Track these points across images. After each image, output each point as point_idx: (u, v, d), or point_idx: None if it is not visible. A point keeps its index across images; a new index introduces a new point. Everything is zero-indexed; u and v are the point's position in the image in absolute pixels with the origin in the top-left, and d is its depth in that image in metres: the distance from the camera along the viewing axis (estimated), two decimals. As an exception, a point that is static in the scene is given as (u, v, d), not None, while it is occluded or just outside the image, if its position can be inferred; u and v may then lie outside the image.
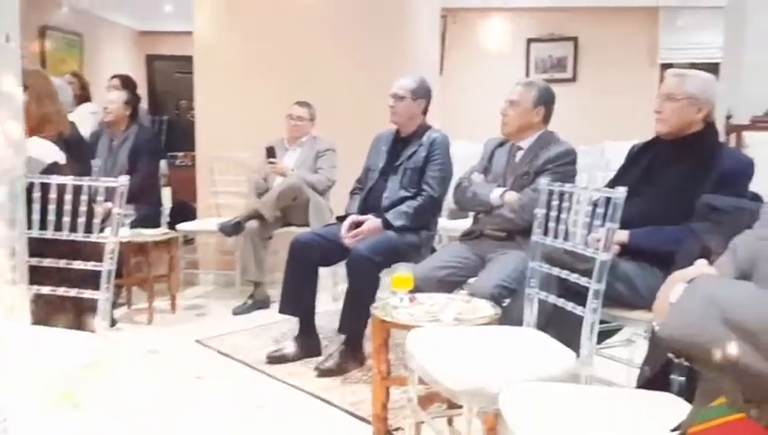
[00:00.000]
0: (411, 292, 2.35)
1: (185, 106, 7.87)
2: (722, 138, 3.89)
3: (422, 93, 3.20)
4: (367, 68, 4.40)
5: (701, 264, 1.02)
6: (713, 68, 5.09)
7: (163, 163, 5.12)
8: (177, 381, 2.89)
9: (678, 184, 2.29)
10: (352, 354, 2.98)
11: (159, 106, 8.43)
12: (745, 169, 2.27)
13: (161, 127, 6.83)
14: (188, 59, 4.96)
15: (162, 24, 8.34)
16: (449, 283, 2.70)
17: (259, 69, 4.43)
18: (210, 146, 4.62)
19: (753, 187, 2.28)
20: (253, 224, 3.93)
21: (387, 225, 3.06)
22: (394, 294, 2.35)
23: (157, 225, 4.14)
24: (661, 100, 2.36)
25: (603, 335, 2.63)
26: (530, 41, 7.79)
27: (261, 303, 3.98)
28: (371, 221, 3.09)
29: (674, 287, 0.94)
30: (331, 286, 3.78)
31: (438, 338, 1.94)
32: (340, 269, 3.30)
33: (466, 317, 2.17)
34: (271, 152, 4.07)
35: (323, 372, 2.92)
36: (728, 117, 4.11)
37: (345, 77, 4.40)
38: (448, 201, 3.35)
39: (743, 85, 4.23)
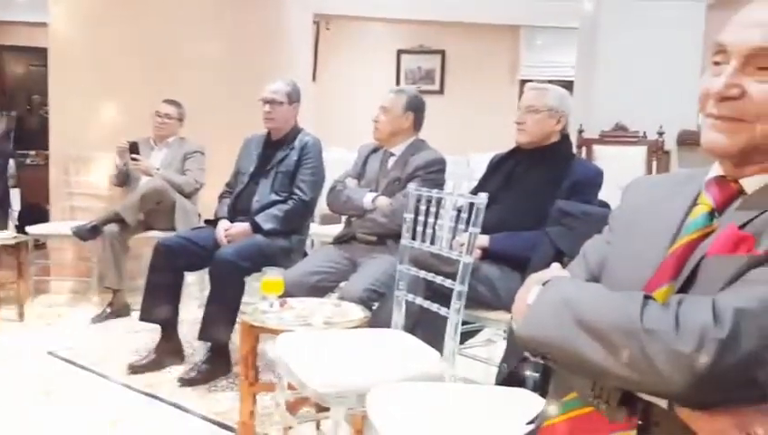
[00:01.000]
0: (282, 296, 2.32)
1: (38, 102, 7.27)
2: (574, 150, 4.20)
3: (296, 97, 3.18)
4: (237, 70, 4.31)
5: (555, 267, 1.08)
6: (568, 85, 5.49)
7: (12, 163, 4.69)
8: (21, 398, 2.65)
9: (535, 191, 2.43)
10: (218, 362, 2.88)
11: (9, 101, 7.72)
12: (595, 178, 2.47)
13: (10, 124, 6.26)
14: (42, 51, 4.59)
15: (14, 13, 7.64)
16: (321, 287, 2.70)
17: (121, 64, 4.20)
18: (66, 144, 4.30)
19: (602, 195, 2.48)
20: (112, 227, 3.69)
21: (256, 228, 3.01)
22: (264, 299, 2.31)
23: (4, 227, 3.79)
24: (523, 111, 2.50)
25: (466, 336, 2.74)
26: (400, 52, 7.98)
27: (120, 311, 3.75)
28: (239, 224, 3.02)
29: (530, 289, 0.98)
30: (198, 293, 3.64)
31: (307, 342, 1.92)
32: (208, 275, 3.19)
33: (336, 321, 2.18)
34: (134, 148, 3.83)
35: (187, 382, 2.80)
36: (580, 131, 4.44)
37: (214, 78, 4.28)
38: (321, 206, 3.35)
39: (593, 102, 4.59)
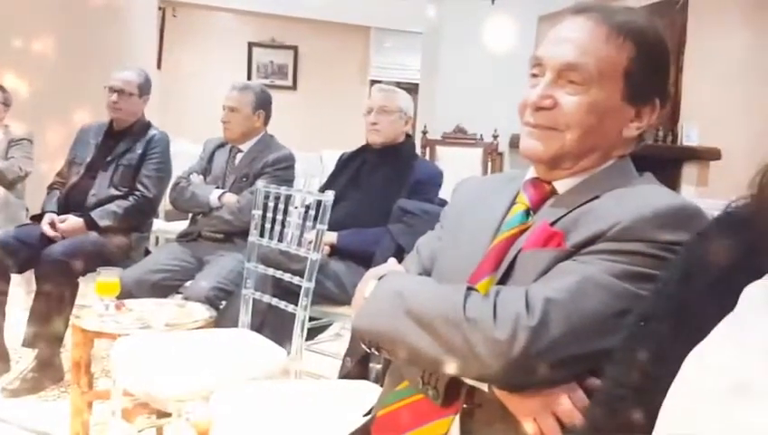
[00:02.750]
0: (119, 298, 2.20)
1: None
2: (419, 151, 4.39)
3: (147, 90, 3.01)
4: (71, 54, 3.99)
5: (391, 262, 1.13)
6: (414, 88, 5.72)
7: None
8: None
9: (381, 189, 2.52)
10: (47, 370, 2.67)
11: None
12: (435, 178, 2.60)
13: None
14: None
15: None
16: (165, 287, 2.59)
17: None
18: None
19: (443, 194, 2.62)
20: None
21: (91, 225, 2.81)
22: (100, 301, 2.18)
23: None
24: (376, 112, 2.58)
25: (315, 331, 2.77)
26: (251, 45, 7.83)
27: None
28: (72, 220, 2.81)
29: (368, 283, 1.02)
30: (24, 295, 3.34)
31: (147, 346, 1.85)
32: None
33: (179, 322, 2.10)
34: None
35: (12, 392, 2.57)
36: (424, 132, 4.64)
37: (46, 63, 3.94)
38: (166, 202, 3.21)
39: (436, 105, 4.81)
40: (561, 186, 1.00)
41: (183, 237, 2.84)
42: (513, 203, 1.03)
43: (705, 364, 0.49)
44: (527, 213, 1.00)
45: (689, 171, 4.54)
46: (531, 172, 1.05)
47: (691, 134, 4.55)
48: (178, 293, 2.68)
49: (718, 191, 4.04)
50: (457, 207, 1.13)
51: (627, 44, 0.95)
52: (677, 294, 0.56)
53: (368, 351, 1.00)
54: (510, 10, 4.75)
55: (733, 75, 4.49)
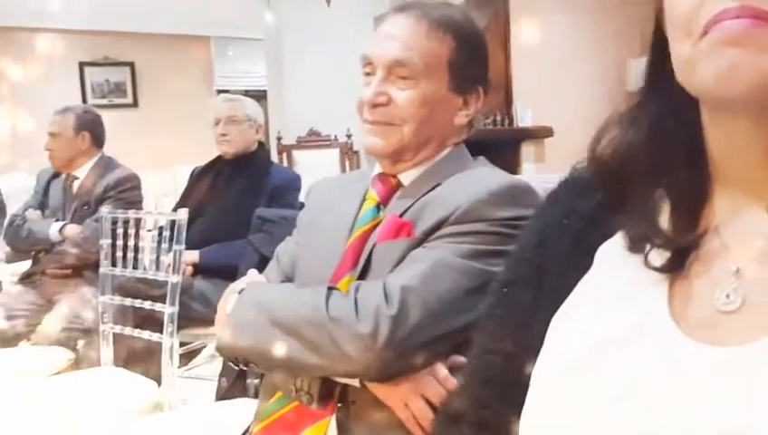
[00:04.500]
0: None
1: None
2: (275, 157, 4.34)
3: None
4: None
5: (251, 273, 1.11)
6: (263, 94, 5.65)
7: None
8: None
9: (238, 200, 2.47)
10: None
11: None
12: (293, 183, 2.60)
13: None
14: None
15: None
16: (13, 335, 2.37)
17: None
18: None
19: (303, 198, 2.61)
20: None
21: None
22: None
23: None
24: (224, 123, 2.53)
25: (189, 356, 2.67)
26: (82, 64, 7.34)
27: None
28: None
29: (228, 298, 1.00)
30: None
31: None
32: None
33: (32, 370, 1.94)
34: None
35: None
36: (279, 138, 4.60)
37: None
38: (4, 243, 2.94)
39: (287, 110, 4.79)
40: (406, 178, 1.04)
41: (26, 278, 2.62)
42: (363, 200, 1.05)
43: (568, 326, 0.51)
44: (378, 208, 1.02)
45: (527, 150, 4.88)
46: (377, 168, 1.08)
47: (525, 116, 4.88)
48: (29, 339, 2.47)
49: (554, 165, 4.38)
50: (312, 210, 1.14)
51: (447, 38, 1.00)
52: (535, 259, 0.57)
53: (234, 367, 0.98)
54: (345, 11, 4.82)
55: (556, 56, 4.87)
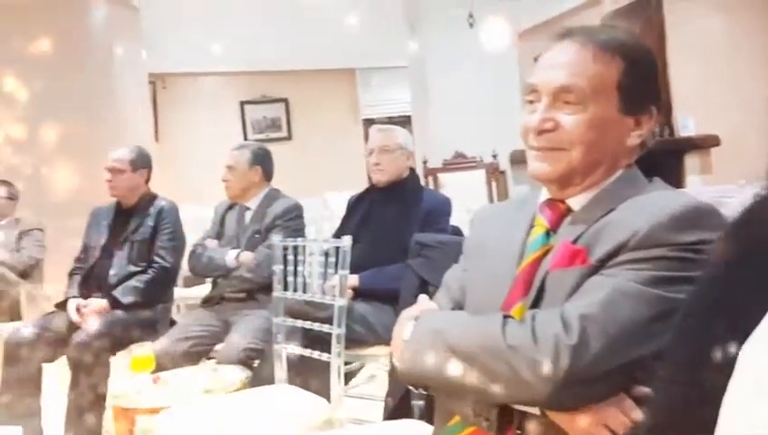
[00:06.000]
0: (153, 372, 2.22)
1: None
2: (422, 181, 4.43)
3: (142, 163, 3.09)
4: (75, 144, 4.12)
5: (422, 299, 1.15)
6: (407, 119, 5.80)
7: None
8: None
9: (392, 226, 2.56)
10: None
11: None
12: (444, 207, 2.64)
13: None
14: None
15: None
16: (194, 353, 2.60)
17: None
18: None
19: (453, 220, 2.65)
20: (-53, 328, 3.33)
21: (115, 303, 2.85)
22: (133, 378, 2.20)
23: None
24: (377, 153, 2.63)
25: (349, 376, 2.77)
26: (243, 103, 7.98)
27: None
28: (95, 302, 2.85)
29: (404, 325, 1.05)
30: (58, 383, 3.36)
31: (188, 416, 1.86)
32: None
33: (216, 387, 2.12)
34: None
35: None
36: (425, 162, 4.69)
37: (54, 152, 4.06)
38: (182, 269, 3.25)
39: (432, 134, 4.88)
40: (576, 203, 1.03)
41: (206, 302, 2.86)
42: (531, 226, 1.06)
43: (761, 358, 0.49)
44: (547, 234, 1.03)
45: (692, 161, 4.56)
46: (544, 194, 1.08)
47: (687, 124, 4.58)
48: (209, 358, 2.70)
49: (724, 177, 4.06)
50: (477, 238, 1.16)
51: (615, 60, 1.00)
52: (721, 289, 0.55)
53: (414, 390, 1.02)
54: (488, 31, 4.85)
55: (717, 60, 4.56)
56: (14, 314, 3.43)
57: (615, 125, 1.01)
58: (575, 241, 0.96)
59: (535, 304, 0.97)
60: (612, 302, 0.87)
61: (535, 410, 0.92)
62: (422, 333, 1.00)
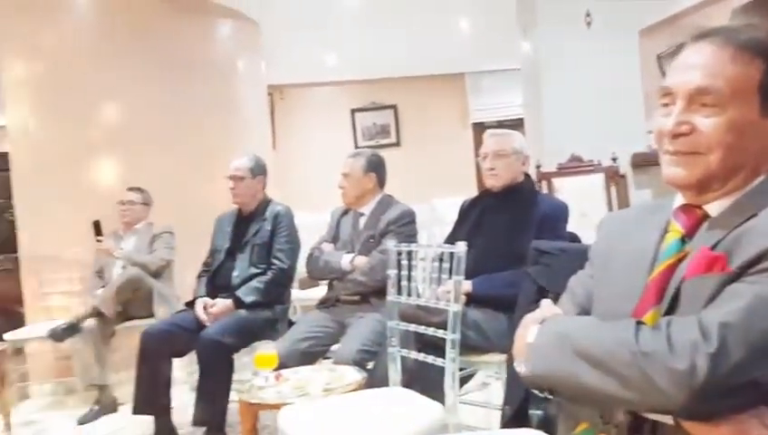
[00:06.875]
0: (275, 369, 2.32)
1: (2, 205, 7.19)
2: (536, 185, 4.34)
3: (260, 170, 3.26)
4: (201, 152, 4.41)
5: (546, 303, 1.14)
6: (518, 123, 5.70)
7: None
8: None
9: (506, 231, 2.52)
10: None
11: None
12: (561, 212, 2.57)
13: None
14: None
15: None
16: (312, 353, 2.70)
17: (85, 158, 4.23)
18: (35, 245, 4.26)
19: (569, 227, 2.58)
20: (91, 322, 3.64)
21: (238, 303, 3.02)
22: (256, 374, 2.31)
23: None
24: (492, 157, 2.61)
25: (461, 382, 2.76)
26: (354, 111, 8.18)
27: (108, 407, 3.66)
28: (221, 302, 3.03)
29: (529, 329, 1.04)
30: (186, 376, 3.60)
31: (309, 412, 1.93)
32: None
33: (335, 386, 2.19)
34: (98, 227, 3.84)
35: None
36: (538, 166, 4.59)
37: (177, 160, 4.35)
38: (297, 271, 3.38)
39: (546, 137, 4.76)
40: (714, 209, 0.99)
41: (322, 304, 2.96)
42: (664, 232, 1.02)
43: None
44: (682, 240, 0.99)
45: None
46: (679, 199, 1.04)
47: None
48: (324, 358, 2.79)
49: None
50: (605, 244, 1.13)
51: (756, 61, 0.96)
52: None
53: (539, 395, 1.01)
54: (608, 30, 4.68)
55: None
56: (148, 312, 3.70)
57: (756, 129, 0.96)
58: (713, 247, 0.92)
59: (669, 312, 0.94)
60: (754, 310, 0.83)
61: (668, 419, 0.89)
62: (548, 336, 0.99)
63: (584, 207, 3.84)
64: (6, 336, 3.89)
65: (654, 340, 0.86)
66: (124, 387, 3.02)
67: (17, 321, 4.38)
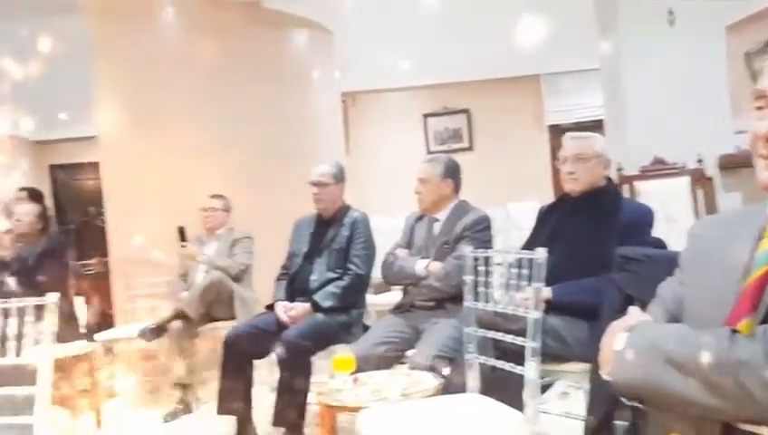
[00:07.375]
0: (352, 372, 2.35)
1: (94, 212, 7.63)
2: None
3: (341, 177, 3.31)
4: (280, 158, 4.52)
5: (634, 311, 1.11)
6: (596, 125, 5.55)
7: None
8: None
9: (586, 238, 2.43)
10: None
11: (63, 216, 8.11)
12: (646, 217, 2.48)
13: (68, 236, 6.56)
14: (90, 165, 4.87)
15: (60, 132, 8.03)
16: (388, 358, 2.72)
17: (172, 166, 4.42)
18: (125, 249, 4.49)
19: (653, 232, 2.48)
20: (177, 324, 3.80)
21: (316, 307, 3.07)
22: (333, 377, 2.34)
23: (76, 338, 3.91)
24: (571, 161, 2.53)
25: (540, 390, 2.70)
26: (426, 115, 8.18)
27: (192, 406, 3.81)
28: (300, 306, 3.09)
29: (616, 336, 1.02)
30: (267, 377, 3.69)
31: (387, 416, 1.94)
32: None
33: (412, 391, 2.19)
34: (182, 233, 4.01)
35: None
36: (619, 169, 4.45)
37: (260, 168, 4.49)
38: (373, 276, 3.41)
39: (627, 139, 4.61)
40: None
41: (397, 309, 2.97)
42: (759, 239, 0.98)
43: None
44: None
45: None
46: (776, 205, 0.99)
47: None
48: (400, 363, 2.79)
49: None
50: (696, 250, 1.09)
51: None
52: None
53: (627, 403, 0.99)
54: (692, 27, 4.49)
55: None
56: (230, 314, 3.82)
57: None
58: None
59: (765, 320, 0.89)
60: None
61: (764, 431, 0.85)
62: (638, 343, 0.96)
63: (669, 211, 3.70)
64: (97, 337, 4.11)
65: (749, 349, 0.82)
66: (207, 386, 3.13)
67: (107, 321, 4.62)
